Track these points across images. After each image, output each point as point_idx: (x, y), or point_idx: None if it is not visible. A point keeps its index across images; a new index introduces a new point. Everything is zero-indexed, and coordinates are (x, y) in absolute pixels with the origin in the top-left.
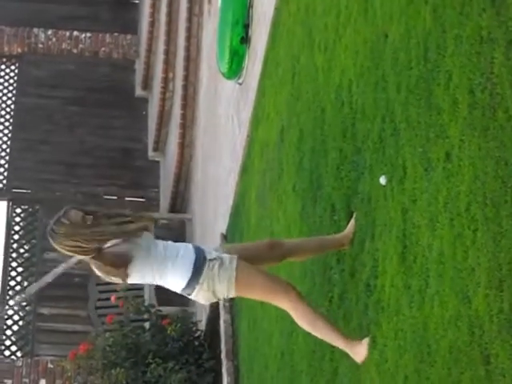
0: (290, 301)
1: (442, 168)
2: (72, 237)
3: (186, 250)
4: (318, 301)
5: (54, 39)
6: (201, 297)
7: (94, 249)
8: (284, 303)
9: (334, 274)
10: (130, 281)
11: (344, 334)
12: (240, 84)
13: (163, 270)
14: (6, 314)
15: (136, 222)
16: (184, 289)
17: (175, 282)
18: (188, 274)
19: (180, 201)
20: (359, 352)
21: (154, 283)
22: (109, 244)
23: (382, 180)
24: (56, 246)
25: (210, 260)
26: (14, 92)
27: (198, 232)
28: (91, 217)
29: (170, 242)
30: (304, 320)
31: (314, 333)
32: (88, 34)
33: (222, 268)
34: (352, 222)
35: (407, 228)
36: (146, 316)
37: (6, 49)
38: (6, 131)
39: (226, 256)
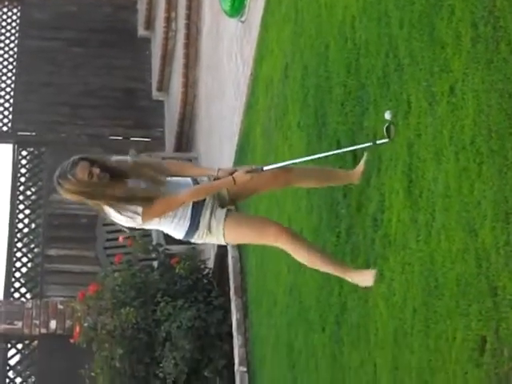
0: (282, 244)
1: (446, 102)
2: (75, 194)
3: (181, 216)
4: (325, 236)
5: None
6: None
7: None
8: (278, 245)
9: (341, 208)
10: (149, 225)
11: (346, 264)
12: (243, 22)
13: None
14: (15, 257)
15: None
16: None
17: (174, 234)
18: (182, 235)
19: (185, 140)
20: (365, 278)
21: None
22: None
23: (387, 115)
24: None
25: (201, 228)
26: (17, 35)
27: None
28: (98, 172)
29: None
30: (302, 258)
31: (316, 267)
32: None
33: (211, 223)
34: (363, 160)
35: (413, 162)
36: (154, 255)
37: None
38: (9, 74)
39: (213, 218)
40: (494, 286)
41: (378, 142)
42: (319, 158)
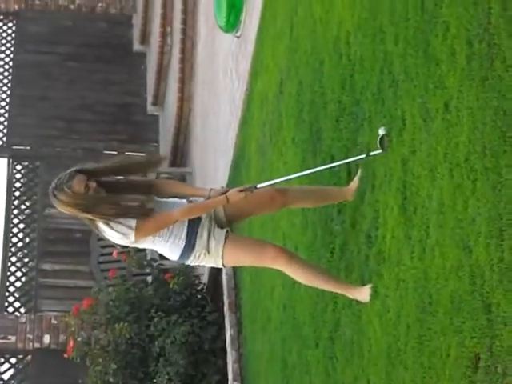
0: (280, 266)
1: (441, 119)
2: (70, 207)
3: (176, 236)
4: (319, 252)
5: None
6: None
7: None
8: (276, 267)
9: (336, 225)
10: (143, 244)
11: (343, 280)
12: (238, 37)
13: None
14: (9, 271)
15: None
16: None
17: (168, 255)
18: (177, 256)
19: (180, 155)
20: (362, 294)
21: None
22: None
23: (381, 131)
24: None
25: (197, 249)
26: (12, 49)
27: (199, 186)
28: (94, 186)
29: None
30: (300, 277)
31: (313, 286)
32: None
33: (210, 244)
34: (357, 176)
35: (407, 179)
36: (148, 270)
37: (3, 6)
38: (4, 88)
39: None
40: (488, 303)
41: (371, 153)
42: (313, 173)
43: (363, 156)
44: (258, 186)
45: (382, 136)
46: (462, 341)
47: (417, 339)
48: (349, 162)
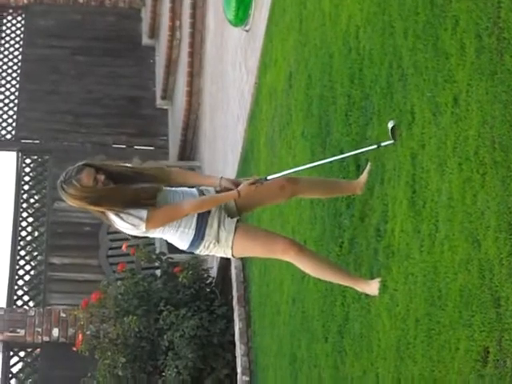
0: (290, 258)
1: (451, 112)
2: (78, 199)
3: (186, 225)
4: (328, 246)
5: None
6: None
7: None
8: (286, 259)
9: (344, 219)
10: (153, 233)
11: (353, 274)
12: (247, 31)
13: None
14: (18, 265)
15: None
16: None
17: (178, 244)
18: (186, 245)
19: (189, 148)
20: (371, 287)
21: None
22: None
23: (390, 125)
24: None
25: (207, 239)
26: (21, 43)
27: None
28: (103, 179)
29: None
30: (309, 269)
31: (322, 278)
32: None
33: (220, 234)
34: (366, 170)
35: (416, 173)
36: (157, 264)
37: (12, 0)
38: (13, 82)
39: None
40: (497, 296)
41: (382, 144)
42: (322, 166)
43: (374, 147)
44: (269, 177)
45: (393, 126)
46: (471, 334)
47: (426, 333)
48: (358, 154)
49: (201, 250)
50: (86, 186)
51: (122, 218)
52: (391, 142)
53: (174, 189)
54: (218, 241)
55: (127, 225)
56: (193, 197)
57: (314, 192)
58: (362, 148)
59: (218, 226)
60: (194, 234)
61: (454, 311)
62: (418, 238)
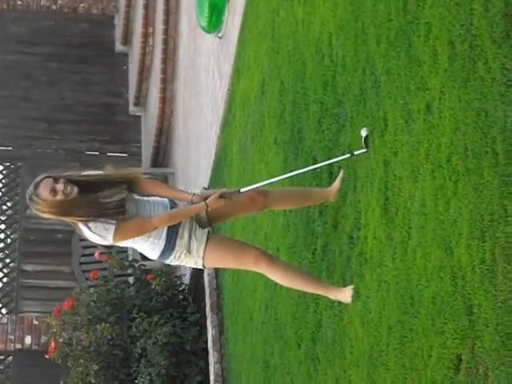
0: (262, 269)
1: (423, 120)
2: (46, 213)
3: (156, 236)
4: (301, 253)
5: None
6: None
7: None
8: (257, 270)
9: (317, 226)
10: (122, 243)
11: (325, 282)
12: (220, 38)
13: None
14: None
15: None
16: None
17: (148, 254)
18: (157, 255)
19: (162, 155)
20: (344, 294)
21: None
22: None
23: (363, 132)
24: None
25: (177, 249)
26: None
27: (181, 186)
28: (62, 187)
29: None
30: (281, 280)
31: (295, 288)
32: None
33: (191, 244)
34: (339, 177)
35: (389, 180)
36: (129, 271)
37: None
38: None
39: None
40: (469, 304)
41: (355, 152)
42: (296, 175)
43: (347, 156)
44: (242, 190)
45: (367, 135)
46: (443, 342)
47: (398, 340)
48: (331, 163)
49: (171, 261)
50: (45, 200)
51: (90, 229)
52: (364, 150)
53: (145, 198)
54: (189, 251)
55: (95, 235)
56: (164, 207)
57: (286, 203)
58: (336, 157)
59: (189, 237)
60: (165, 245)
61: (427, 319)
62: (391, 245)
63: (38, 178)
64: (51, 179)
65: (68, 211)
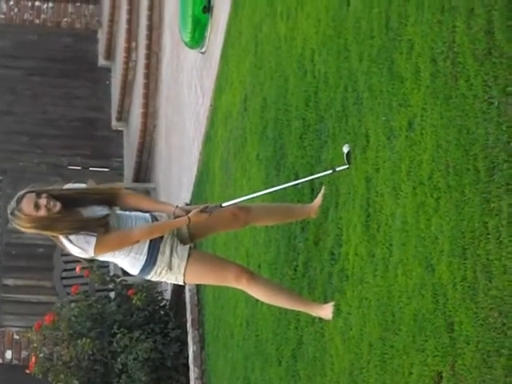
0: (243, 286)
1: (405, 136)
2: (28, 229)
3: (137, 251)
4: (282, 269)
5: (15, 9)
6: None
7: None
8: (238, 287)
9: (299, 242)
10: (103, 257)
11: (306, 298)
12: (203, 53)
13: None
14: None
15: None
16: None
17: (129, 269)
18: (137, 271)
19: (144, 170)
20: (325, 311)
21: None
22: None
23: (345, 149)
24: None
25: (158, 265)
26: None
27: (163, 201)
28: (45, 202)
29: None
30: (262, 297)
31: (276, 305)
32: (50, 4)
33: (172, 260)
34: (321, 193)
35: (371, 196)
36: (111, 286)
37: None
38: None
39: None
40: (450, 321)
41: (337, 168)
42: (278, 190)
43: (329, 172)
44: (224, 204)
45: (349, 151)
46: (424, 359)
47: (379, 357)
48: (313, 179)
49: (152, 276)
50: (28, 215)
51: (71, 242)
52: (346, 166)
53: (127, 213)
54: (170, 268)
55: (76, 248)
56: (145, 222)
57: (268, 220)
58: (318, 173)
59: (171, 253)
60: (146, 260)
61: (408, 336)
62: (372, 262)
63: (21, 193)
64: (34, 194)
65: (50, 226)
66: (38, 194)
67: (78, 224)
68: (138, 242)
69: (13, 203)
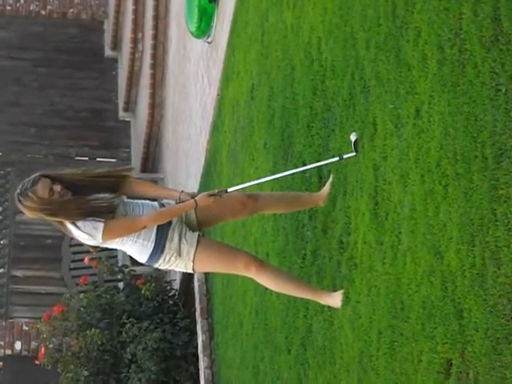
0: (252, 274)
1: (413, 124)
2: (36, 211)
3: (145, 237)
4: (291, 258)
5: (22, 1)
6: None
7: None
8: (247, 275)
9: (307, 231)
10: (110, 244)
11: (314, 287)
12: (209, 43)
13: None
14: None
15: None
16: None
17: (137, 257)
18: (145, 258)
19: (151, 160)
20: (334, 299)
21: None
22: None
23: (353, 137)
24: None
25: (167, 252)
26: None
27: None
28: (59, 189)
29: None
30: (271, 285)
31: (285, 293)
32: None
33: (181, 247)
34: (329, 182)
35: (379, 185)
36: (119, 276)
37: None
38: None
39: (184, 242)
40: (459, 308)
41: (345, 156)
42: (285, 178)
43: (336, 159)
44: (229, 189)
45: (356, 139)
46: (433, 346)
47: (389, 345)
48: (321, 167)
49: (160, 264)
50: (41, 198)
51: (78, 228)
52: (353, 154)
53: (134, 201)
54: (179, 254)
55: (84, 235)
56: (153, 209)
57: (276, 208)
58: (325, 160)
59: (179, 240)
60: (154, 247)
61: (417, 323)
62: (381, 250)
63: (36, 175)
64: (49, 180)
65: (59, 211)
66: (53, 181)
67: (87, 209)
68: (145, 227)
69: (26, 183)
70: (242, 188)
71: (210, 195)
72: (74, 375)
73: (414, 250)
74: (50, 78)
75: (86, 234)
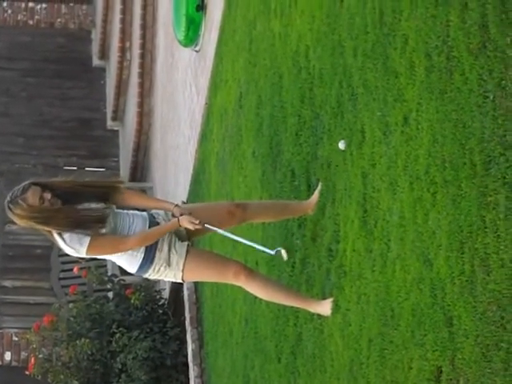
0: (242, 283)
1: (401, 132)
2: (26, 219)
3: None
4: (280, 267)
5: (9, 11)
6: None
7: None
8: (237, 283)
9: (296, 239)
10: (98, 256)
11: (304, 295)
12: (197, 51)
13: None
14: None
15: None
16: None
17: (126, 267)
18: (135, 269)
19: (140, 169)
20: (324, 307)
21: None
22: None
23: (341, 145)
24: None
25: (156, 262)
26: None
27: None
28: (49, 197)
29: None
30: (260, 294)
31: (274, 301)
32: (43, 5)
33: (171, 257)
34: (317, 190)
35: (367, 192)
36: (109, 286)
37: None
38: None
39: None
40: (449, 316)
41: (282, 252)
42: (273, 187)
43: (272, 252)
44: (206, 225)
45: (279, 250)
46: (423, 354)
47: (379, 353)
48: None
49: (150, 274)
50: (31, 206)
51: (64, 241)
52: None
53: (124, 211)
54: (168, 264)
55: (68, 248)
56: (143, 220)
57: (265, 216)
58: (261, 246)
59: (169, 250)
60: (143, 258)
61: (407, 331)
62: (370, 257)
63: (26, 183)
64: (39, 188)
65: (49, 219)
66: (43, 188)
67: (77, 218)
68: (130, 249)
69: (17, 191)
70: (216, 231)
71: (193, 222)
72: None
73: (403, 257)
74: (39, 87)
75: (71, 247)
